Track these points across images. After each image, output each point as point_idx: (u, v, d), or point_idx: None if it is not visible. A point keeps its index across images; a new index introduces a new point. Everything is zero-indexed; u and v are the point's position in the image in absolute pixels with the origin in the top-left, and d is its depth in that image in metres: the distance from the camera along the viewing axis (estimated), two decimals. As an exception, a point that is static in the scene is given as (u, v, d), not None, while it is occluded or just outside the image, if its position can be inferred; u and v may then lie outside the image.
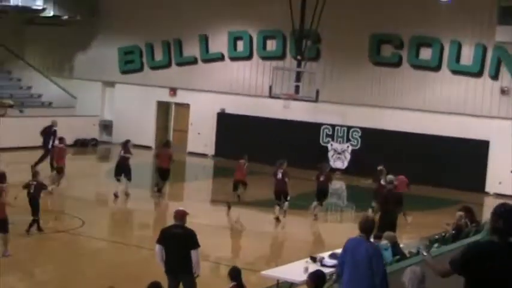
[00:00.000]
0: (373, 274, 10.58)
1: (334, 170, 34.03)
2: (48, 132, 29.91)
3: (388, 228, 16.77)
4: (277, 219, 23.90)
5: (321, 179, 25.05)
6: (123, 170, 26.33)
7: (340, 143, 35.59)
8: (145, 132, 37.74)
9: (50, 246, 19.26)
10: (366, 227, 11.01)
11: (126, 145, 26.91)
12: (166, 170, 27.01)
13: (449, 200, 27.44)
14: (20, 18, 39.95)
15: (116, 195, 25.84)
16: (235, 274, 12.60)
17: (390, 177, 21.59)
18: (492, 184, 31.17)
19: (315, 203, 25.03)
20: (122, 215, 25.81)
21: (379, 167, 25.54)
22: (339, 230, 24.61)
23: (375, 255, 10.72)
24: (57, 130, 29.87)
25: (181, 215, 13.82)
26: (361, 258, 10.57)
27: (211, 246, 13.62)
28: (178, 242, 13.43)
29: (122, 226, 23.59)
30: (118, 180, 26.19)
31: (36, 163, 28.45)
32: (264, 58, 37.01)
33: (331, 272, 14.38)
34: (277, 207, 24.18)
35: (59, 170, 26.46)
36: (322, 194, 25.03)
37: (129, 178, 26.31)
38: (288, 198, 24.40)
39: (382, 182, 24.19)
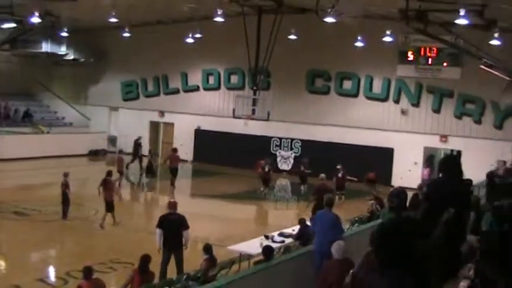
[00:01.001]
0: (335, 232, 10.79)
1: (281, 171, 34.34)
2: (136, 144, 32.55)
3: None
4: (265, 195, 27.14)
5: (302, 169, 28.53)
6: (151, 169, 28.58)
7: (285, 151, 35.64)
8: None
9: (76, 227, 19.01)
10: (329, 203, 11.57)
11: (150, 152, 30.48)
12: (176, 168, 27.71)
13: (366, 191, 27.52)
14: (49, 60, 39.59)
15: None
16: (208, 249, 12.58)
17: (322, 175, 21.53)
18: (396, 179, 31.30)
19: (302, 187, 27.84)
20: (125, 206, 25.54)
21: (338, 166, 26.11)
22: (286, 215, 24.68)
23: (338, 219, 11.29)
24: (141, 142, 33.07)
25: (174, 205, 13.90)
26: (328, 221, 11.03)
27: (190, 229, 13.64)
28: (174, 225, 13.44)
29: (124, 214, 23.32)
30: (147, 176, 28.59)
31: (141, 167, 30.87)
32: (229, 89, 36.95)
33: (278, 246, 14.50)
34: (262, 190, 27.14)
35: (120, 173, 27.15)
36: (304, 179, 28.10)
37: (154, 175, 29.06)
38: (270, 185, 27.51)
39: (340, 175, 25.94)
